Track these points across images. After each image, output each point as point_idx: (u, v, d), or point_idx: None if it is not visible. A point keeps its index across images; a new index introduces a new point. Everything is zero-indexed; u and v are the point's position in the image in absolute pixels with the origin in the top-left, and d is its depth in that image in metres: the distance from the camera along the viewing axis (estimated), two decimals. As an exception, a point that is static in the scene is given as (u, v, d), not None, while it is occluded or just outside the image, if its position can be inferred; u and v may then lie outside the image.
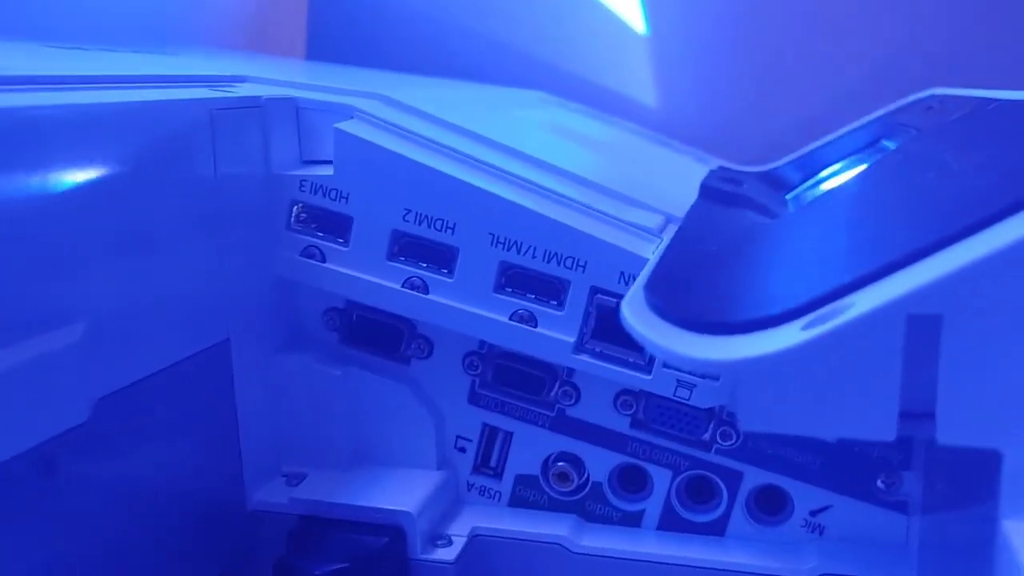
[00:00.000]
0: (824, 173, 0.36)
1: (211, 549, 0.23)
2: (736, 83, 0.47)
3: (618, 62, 0.48)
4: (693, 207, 0.27)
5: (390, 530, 0.24)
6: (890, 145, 0.32)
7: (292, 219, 0.25)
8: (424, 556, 0.24)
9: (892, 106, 0.38)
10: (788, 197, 0.35)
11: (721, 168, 0.37)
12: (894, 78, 0.39)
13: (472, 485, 0.26)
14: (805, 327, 0.15)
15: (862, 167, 0.30)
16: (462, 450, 0.26)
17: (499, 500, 0.26)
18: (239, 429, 0.24)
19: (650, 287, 0.18)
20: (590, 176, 0.26)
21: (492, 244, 0.24)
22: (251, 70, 0.28)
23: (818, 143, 0.39)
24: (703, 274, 0.20)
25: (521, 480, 0.26)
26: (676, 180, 0.32)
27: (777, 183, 0.36)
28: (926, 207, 0.18)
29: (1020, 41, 0.44)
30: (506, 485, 0.26)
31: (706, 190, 0.30)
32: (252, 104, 0.24)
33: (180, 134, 0.22)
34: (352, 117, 0.25)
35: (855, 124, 0.39)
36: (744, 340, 0.16)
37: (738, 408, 0.15)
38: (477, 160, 0.25)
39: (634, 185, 0.27)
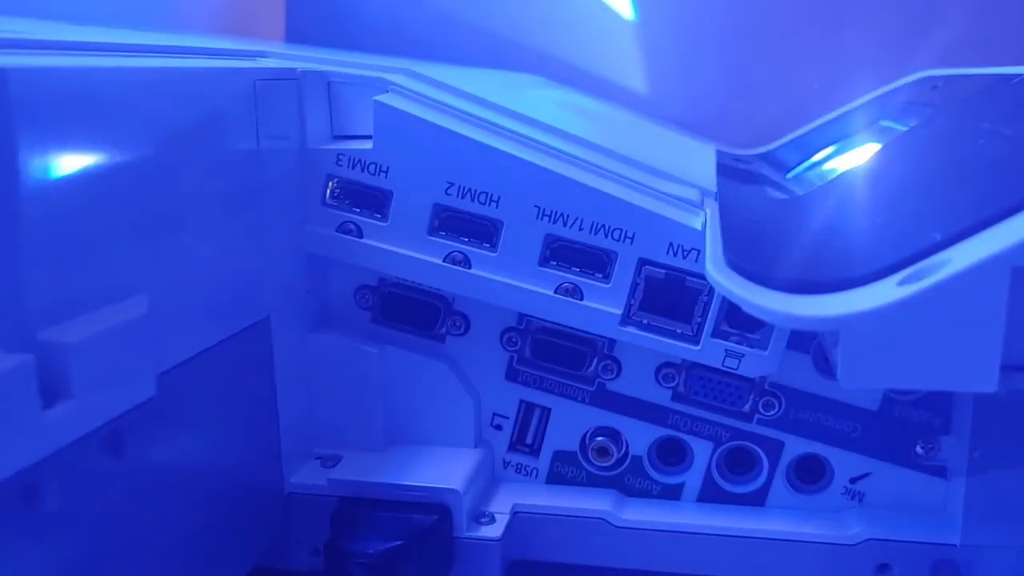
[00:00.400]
0: (823, 154, 0.37)
1: (250, 532, 0.23)
2: (724, 68, 0.48)
3: (606, 48, 0.48)
4: (720, 183, 0.27)
5: (437, 508, 0.23)
6: (894, 126, 0.32)
7: (328, 194, 0.25)
8: (470, 534, 0.24)
9: (883, 89, 0.39)
10: (790, 176, 0.35)
11: (719, 151, 0.37)
12: (884, 63, 0.40)
13: (508, 463, 0.26)
14: (901, 283, 0.16)
15: (876, 145, 0.31)
16: (498, 427, 0.26)
17: (536, 477, 0.26)
18: (278, 410, 0.24)
19: (732, 251, 0.18)
20: (622, 151, 0.26)
21: (538, 217, 0.23)
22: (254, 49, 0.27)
23: (810, 126, 0.39)
24: (775, 239, 0.20)
25: (559, 456, 0.26)
26: (692, 158, 0.33)
27: (777, 163, 0.37)
28: (999, 169, 0.18)
29: (1003, 22, 0.45)
30: (543, 462, 0.26)
31: (723, 168, 0.30)
32: (290, 76, 0.24)
33: (227, 104, 0.21)
34: (388, 90, 0.25)
35: (847, 107, 0.39)
36: (842, 298, 0.16)
37: (839, 365, 0.15)
38: (517, 134, 0.24)
39: (660, 161, 0.27)
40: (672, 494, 0.26)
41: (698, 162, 0.31)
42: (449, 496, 0.23)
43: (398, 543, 0.22)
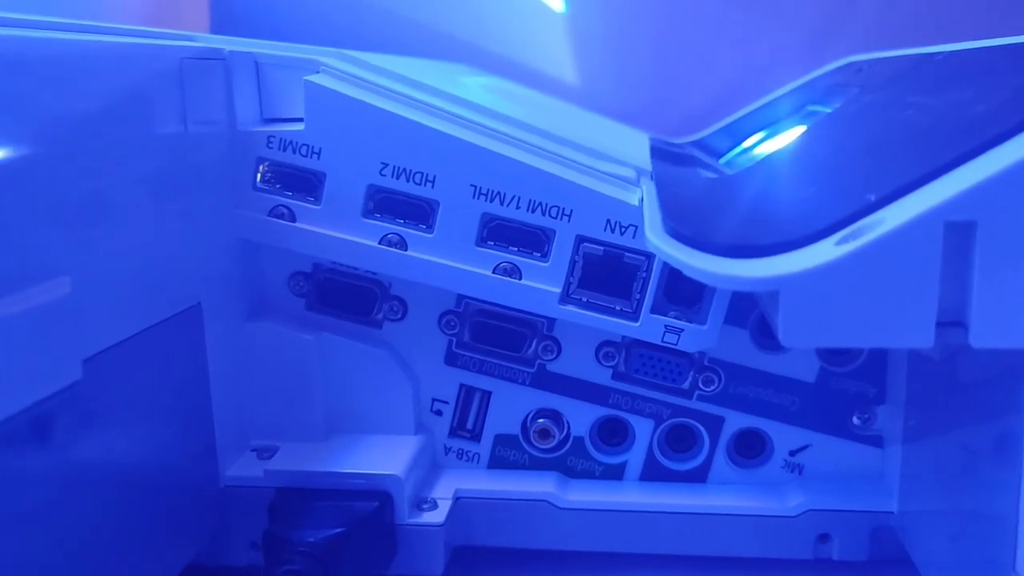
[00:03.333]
0: (754, 139, 0.37)
1: (185, 527, 0.22)
2: (653, 58, 0.48)
3: (536, 39, 0.48)
4: (655, 164, 0.27)
5: (378, 495, 0.23)
6: (821, 109, 0.33)
7: (259, 178, 0.24)
8: (412, 520, 0.23)
9: (810, 76, 0.40)
10: (722, 161, 0.35)
11: (651, 138, 0.37)
12: (810, 51, 0.40)
13: (450, 448, 0.26)
14: (838, 243, 0.16)
15: (802, 127, 0.31)
16: (439, 413, 0.26)
17: (478, 462, 0.26)
18: (212, 401, 0.23)
19: (671, 220, 0.18)
20: (556, 133, 0.26)
21: (474, 196, 0.23)
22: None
23: (739, 113, 0.40)
24: (713, 209, 0.20)
25: (501, 440, 0.26)
26: (625, 142, 0.33)
27: (709, 149, 0.37)
28: (928, 133, 0.19)
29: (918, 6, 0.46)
30: (485, 446, 0.26)
31: (656, 151, 0.31)
32: (217, 56, 0.23)
33: (151, 82, 0.20)
34: (319, 71, 0.24)
35: (776, 93, 0.40)
36: (781, 259, 0.16)
37: (779, 325, 0.15)
38: (452, 114, 0.24)
39: (594, 143, 0.27)
40: (615, 474, 0.26)
41: (632, 145, 0.31)
42: (390, 482, 0.23)
43: (338, 531, 0.22)
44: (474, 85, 0.34)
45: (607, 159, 0.26)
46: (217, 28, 0.52)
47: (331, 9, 0.50)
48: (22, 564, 0.16)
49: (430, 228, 0.23)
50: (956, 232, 0.15)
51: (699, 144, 0.38)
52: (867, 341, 0.16)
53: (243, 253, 0.24)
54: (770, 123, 0.37)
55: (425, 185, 0.23)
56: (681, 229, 0.18)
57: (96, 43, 0.19)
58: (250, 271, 0.25)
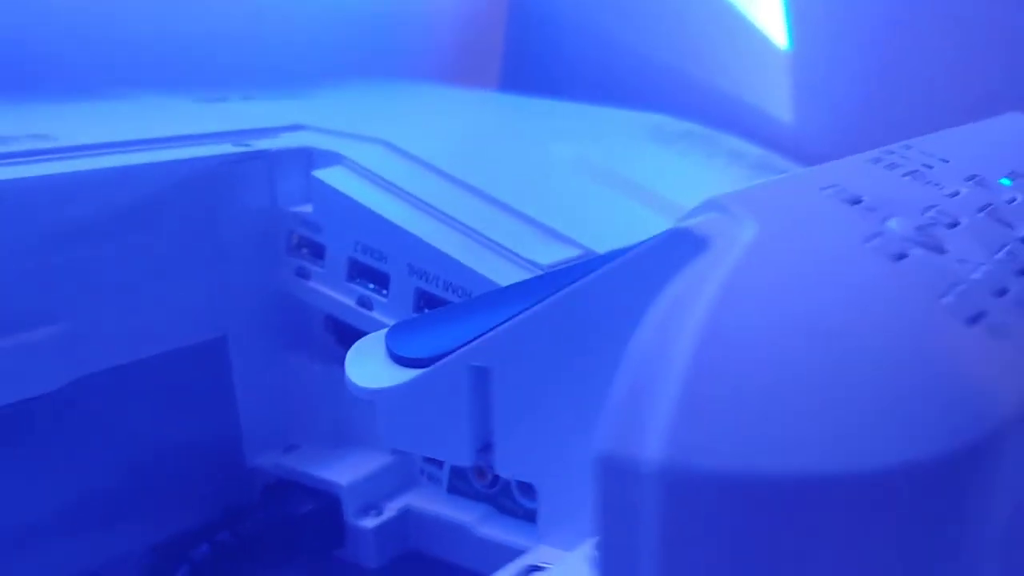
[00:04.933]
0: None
1: (213, 494, 0.31)
2: (869, 104, 0.46)
3: (758, 76, 0.49)
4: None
5: (327, 496, 0.30)
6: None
7: (290, 243, 0.32)
8: (353, 521, 0.30)
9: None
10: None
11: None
12: None
13: (423, 471, 0.32)
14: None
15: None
16: (417, 441, 0.31)
17: (441, 486, 0.31)
18: (238, 407, 0.32)
19: (392, 330, 0.23)
20: (530, 210, 0.30)
21: (410, 273, 0.29)
22: (355, 111, 0.36)
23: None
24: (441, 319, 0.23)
25: (455, 472, 0.31)
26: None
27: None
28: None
29: None
30: (445, 474, 0.31)
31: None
32: (260, 157, 0.31)
33: (196, 182, 0.29)
34: (339, 164, 0.31)
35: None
36: (398, 373, 0.20)
37: (378, 424, 0.19)
38: (422, 201, 0.30)
39: (573, 215, 0.30)
40: (531, 517, 0.29)
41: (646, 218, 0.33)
42: (337, 488, 0.30)
43: (282, 516, 0.29)
44: (540, 156, 0.37)
45: (558, 238, 0.29)
46: (506, 83, 0.61)
47: (612, 67, 0.55)
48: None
49: (387, 295, 0.29)
50: (479, 375, 0.18)
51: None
52: (428, 452, 0.19)
53: (282, 299, 0.32)
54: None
55: (380, 261, 0.29)
56: (390, 337, 0.22)
57: (176, 160, 0.28)
58: (291, 312, 0.33)
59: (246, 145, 0.32)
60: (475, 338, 0.19)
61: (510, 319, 0.17)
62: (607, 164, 0.37)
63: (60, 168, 0.27)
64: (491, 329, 0.18)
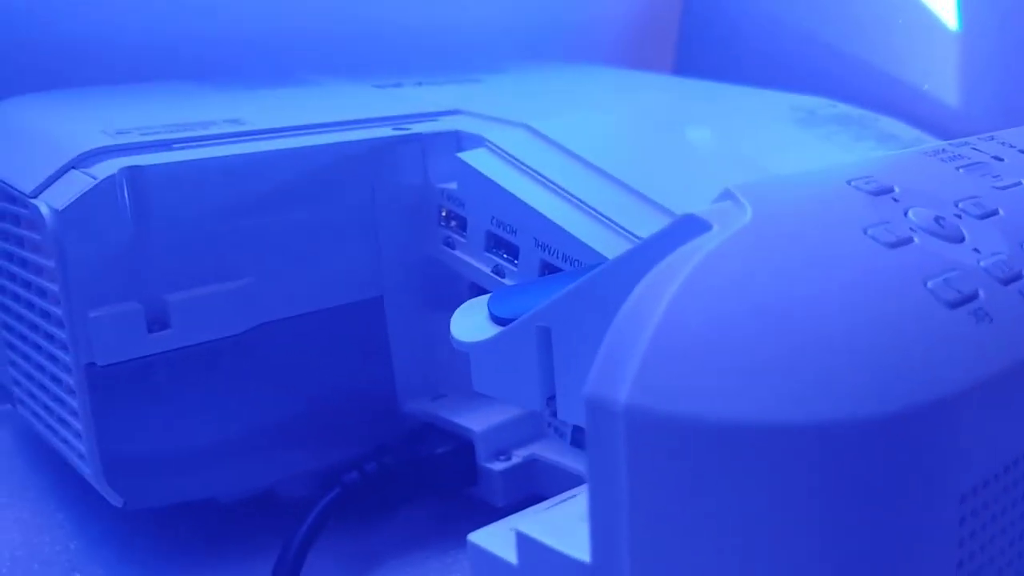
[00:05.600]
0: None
1: (368, 433, 0.36)
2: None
3: (927, 57, 0.49)
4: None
5: (463, 440, 0.34)
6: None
7: (439, 216, 0.36)
8: (484, 463, 0.34)
9: None
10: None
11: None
12: None
13: (550, 424, 0.35)
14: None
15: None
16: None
17: (565, 439, 0.35)
18: (392, 359, 0.36)
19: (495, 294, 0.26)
20: (650, 192, 0.32)
21: (536, 246, 0.32)
22: (513, 96, 0.40)
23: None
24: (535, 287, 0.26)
25: (577, 428, 0.34)
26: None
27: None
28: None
29: None
30: (568, 429, 0.34)
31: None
32: (415, 139, 0.36)
33: (359, 161, 0.34)
34: (483, 147, 0.35)
35: None
36: (489, 330, 0.23)
37: (472, 371, 0.23)
38: (550, 181, 0.33)
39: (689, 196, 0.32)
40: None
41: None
42: (472, 434, 0.34)
43: (416, 456, 0.34)
44: (683, 143, 0.39)
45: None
46: (681, 67, 0.62)
47: (783, 51, 0.56)
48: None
49: (516, 264, 0.33)
50: (543, 334, 0.21)
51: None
52: (506, 398, 0.22)
53: (429, 265, 0.36)
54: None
55: (511, 234, 0.33)
56: (499, 295, 0.25)
57: (344, 142, 0.33)
58: (442, 277, 0.37)
59: (404, 128, 0.36)
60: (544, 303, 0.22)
61: (568, 288, 0.20)
62: (743, 149, 0.39)
63: (249, 149, 0.32)
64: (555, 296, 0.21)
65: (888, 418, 0.14)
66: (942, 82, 0.48)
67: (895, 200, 0.19)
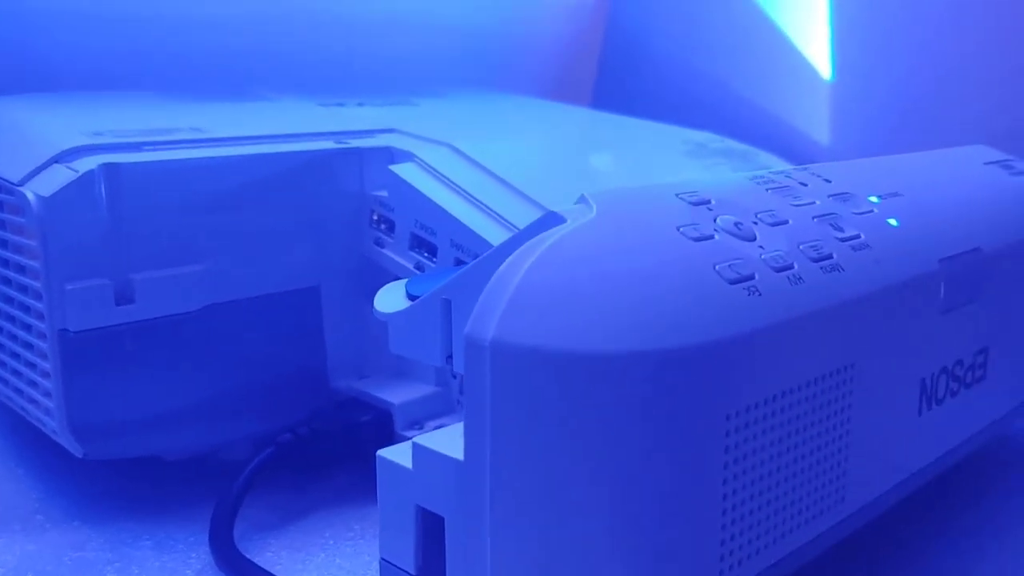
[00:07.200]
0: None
1: (302, 404, 0.41)
2: (897, 132, 0.52)
3: (804, 103, 0.56)
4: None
5: (383, 412, 0.40)
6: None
7: (371, 219, 0.42)
8: (401, 432, 0.39)
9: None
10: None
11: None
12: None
13: (460, 401, 0.41)
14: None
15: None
16: (455, 376, 0.41)
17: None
18: (325, 341, 0.42)
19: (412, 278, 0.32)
20: (546, 201, 0.38)
21: (451, 245, 0.38)
22: (441, 118, 0.46)
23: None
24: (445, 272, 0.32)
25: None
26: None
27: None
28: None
29: None
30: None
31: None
32: (353, 153, 0.41)
33: (304, 169, 0.39)
34: (411, 161, 0.41)
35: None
36: (404, 304, 0.29)
37: (389, 337, 0.29)
38: (464, 191, 0.39)
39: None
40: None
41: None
42: (390, 406, 0.39)
43: (337, 425, 0.39)
44: (581, 160, 0.46)
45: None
46: (598, 101, 0.69)
47: (683, 85, 0.63)
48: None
49: (435, 261, 0.39)
50: (445, 305, 0.27)
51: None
52: (416, 356, 0.28)
53: (361, 261, 0.42)
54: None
55: (431, 235, 0.39)
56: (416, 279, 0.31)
57: (290, 152, 0.39)
58: (373, 272, 0.43)
59: (345, 143, 0.42)
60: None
61: (464, 268, 0.26)
62: (635, 172, 0.45)
63: (209, 153, 0.38)
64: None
65: (673, 350, 0.20)
66: (816, 124, 0.55)
67: (709, 209, 0.25)
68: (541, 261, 0.21)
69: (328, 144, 0.41)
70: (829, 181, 0.30)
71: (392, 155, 0.42)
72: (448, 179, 0.40)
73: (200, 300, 0.37)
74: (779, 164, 0.51)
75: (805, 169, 0.30)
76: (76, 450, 0.36)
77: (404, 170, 0.40)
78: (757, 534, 0.23)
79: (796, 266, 0.24)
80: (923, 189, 0.32)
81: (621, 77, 0.69)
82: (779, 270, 0.24)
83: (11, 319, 0.38)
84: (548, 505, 0.21)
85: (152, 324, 0.36)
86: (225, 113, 0.47)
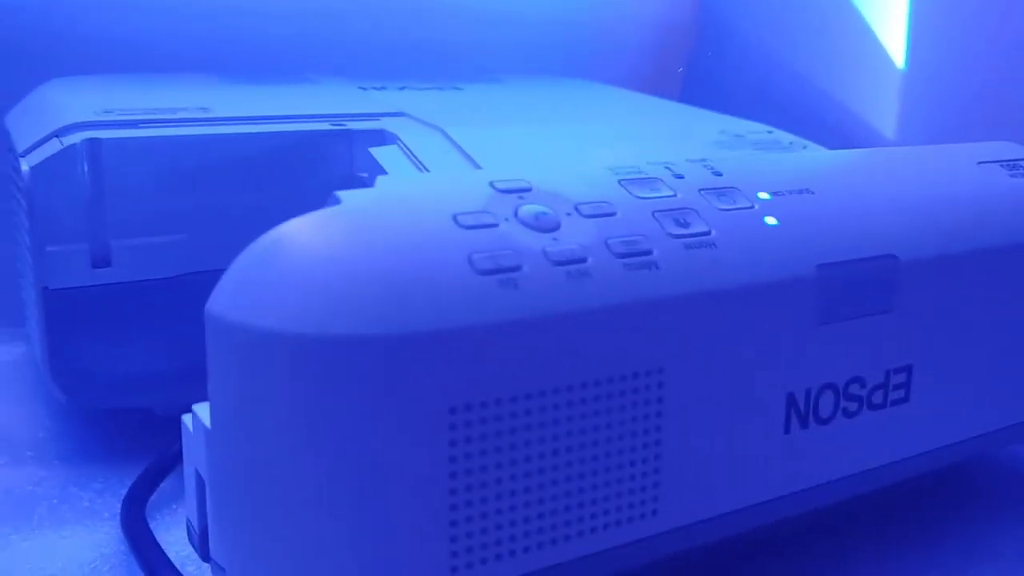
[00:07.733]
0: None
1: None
2: (967, 127, 0.47)
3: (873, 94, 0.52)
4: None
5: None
6: None
7: (358, 200, 0.43)
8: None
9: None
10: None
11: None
12: None
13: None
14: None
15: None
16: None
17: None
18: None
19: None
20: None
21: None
22: (467, 104, 0.47)
23: None
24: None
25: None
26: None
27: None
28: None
29: None
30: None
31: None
32: (343, 135, 0.43)
33: (294, 149, 0.41)
34: (394, 143, 0.42)
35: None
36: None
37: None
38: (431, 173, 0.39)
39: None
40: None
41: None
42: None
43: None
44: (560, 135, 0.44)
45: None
46: (687, 90, 0.67)
47: (764, 82, 0.60)
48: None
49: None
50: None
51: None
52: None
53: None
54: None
55: (394, 217, 0.39)
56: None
57: (281, 132, 0.41)
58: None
59: (340, 125, 0.43)
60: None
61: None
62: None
63: (194, 132, 0.40)
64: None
65: (397, 336, 0.20)
66: (883, 116, 0.51)
67: (519, 197, 0.24)
68: (273, 240, 0.22)
69: (323, 126, 0.43)
70: (720, 174, 0.28)
71: (383, 138, 0.43)
72: (421, 163, 0.40)
73: (177, 268, 0.40)
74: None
75: (704, 162, 0.29)
76: (60, 397, 0.40)
77: (382, 152, 0.41)
78: (510, 535, 0.23)
79: (589, 260, 0.23)
80: (845, 189, 0.29)
81: (710, 68, 0.66)
82: (560, 264, 0.23)
83: (25, 275, 0.42)
84: (264, 482, 0.22)
85: (131, 287, 0.39)
86: (245, 94, 0.49)
